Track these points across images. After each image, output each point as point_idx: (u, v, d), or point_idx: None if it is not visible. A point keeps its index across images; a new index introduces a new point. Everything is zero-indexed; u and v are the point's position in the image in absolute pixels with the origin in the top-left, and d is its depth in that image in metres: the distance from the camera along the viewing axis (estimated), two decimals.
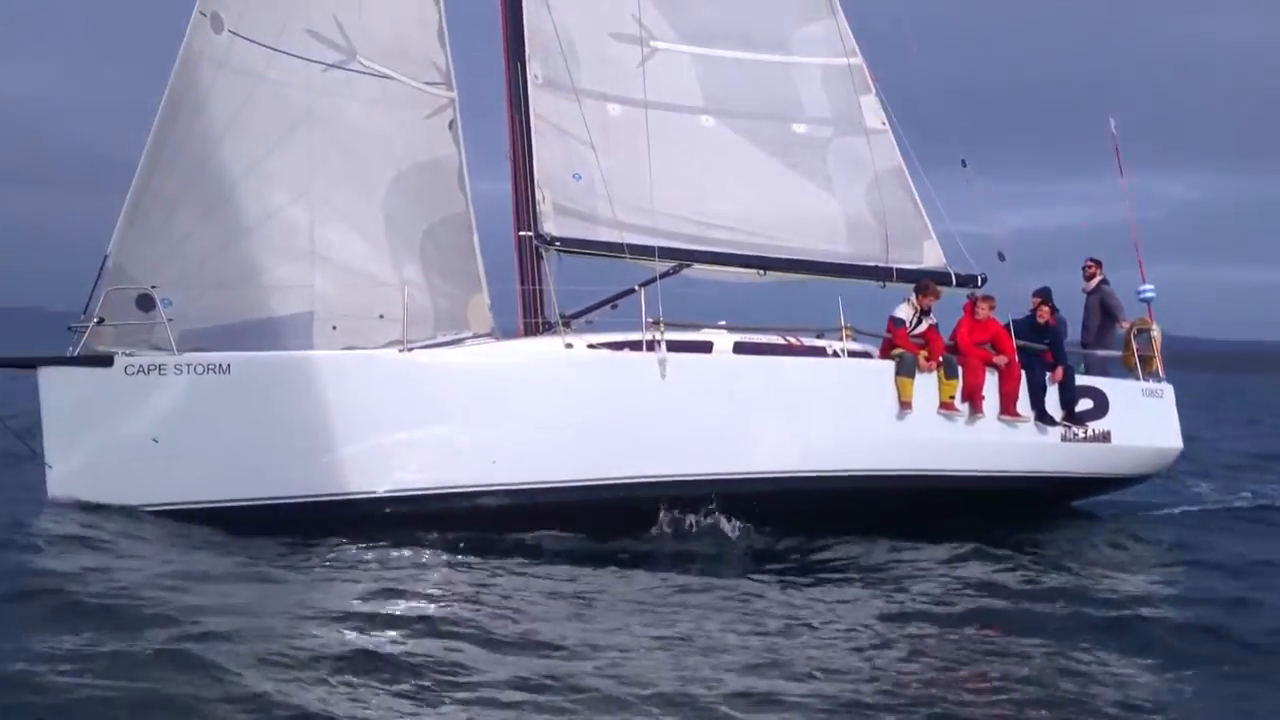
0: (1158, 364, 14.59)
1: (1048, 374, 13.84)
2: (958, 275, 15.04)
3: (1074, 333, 14.98)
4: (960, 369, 13.34)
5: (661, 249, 13.71)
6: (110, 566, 9.82)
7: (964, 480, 13.41)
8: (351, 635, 8.41)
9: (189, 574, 9.82)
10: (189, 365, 11.58)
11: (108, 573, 9.56)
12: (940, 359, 13.30)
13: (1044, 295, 14.47)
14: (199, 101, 12.53)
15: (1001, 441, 13.51)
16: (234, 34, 12.75)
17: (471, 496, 12.05)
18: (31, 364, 11.54)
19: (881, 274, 14.95)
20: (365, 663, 7.72)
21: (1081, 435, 13.89)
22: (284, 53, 13.05)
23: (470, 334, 13.31)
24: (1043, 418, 13.69)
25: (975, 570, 11.48)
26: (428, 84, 13.74)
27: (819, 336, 13.86)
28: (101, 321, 11.66)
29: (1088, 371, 14.65)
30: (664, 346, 12.42)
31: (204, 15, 12.53)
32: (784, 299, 15.19)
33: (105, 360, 11.48)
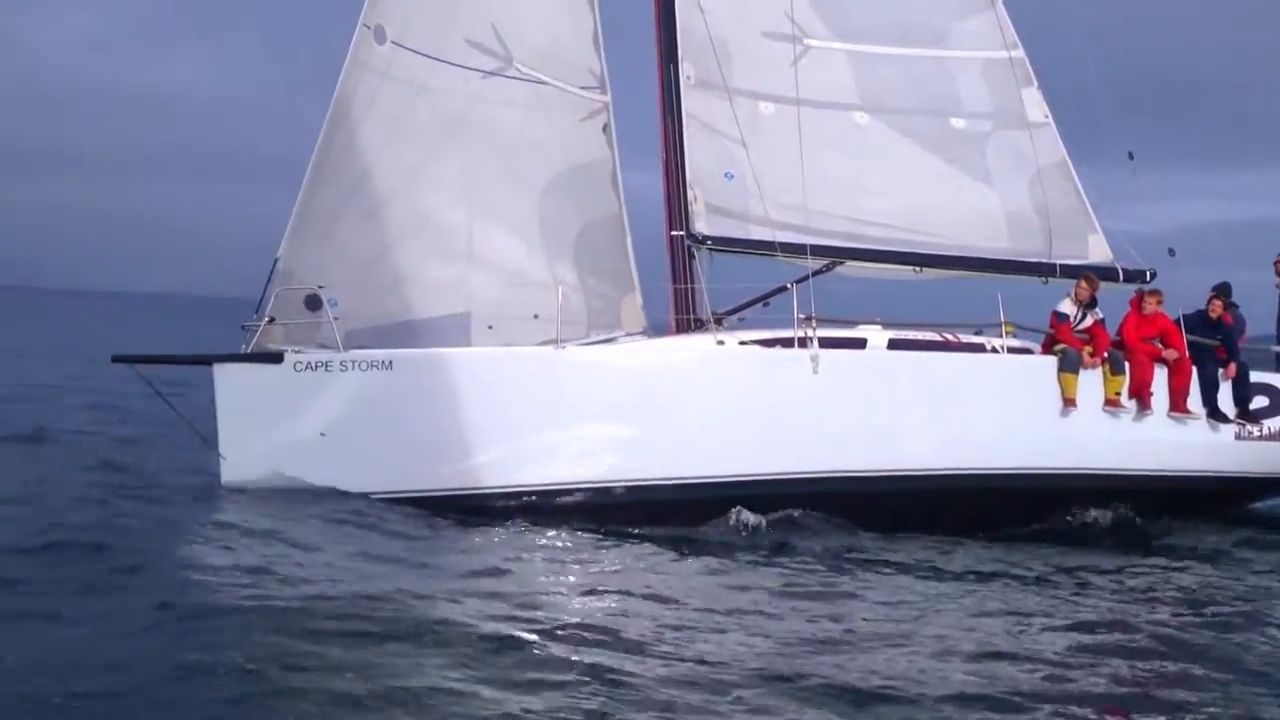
0: None
1: (1220, 370, 13.23)
2: (1125, 270, 14.53)
3: (1260, 328, 14.26)
4: (1127, 365, 12.88)
5: (814, 247, 13.63)
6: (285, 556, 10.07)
7: (1131, 480, 12.93)
8: (516, 628, 8.42)
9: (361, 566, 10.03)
10: (354, 362, 11.99)
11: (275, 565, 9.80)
12: (1106, 355, 12.86)
13: (1221, 291, 13.88)
14: (362, 111, 13.00)
15: (1171, 439, 12.99)
16: (397, 45, 13.19)
17: (627, 491, 12.14)
18: (207, 361, 12.11)
19: (1044, 270, 14.53)
20: (524, 653, 7.74)
21: (1257, 433, 13.25)
22: (444, 61, 13.45)
23: (623, 333, 13.49)
24: (1215, 415, 13.11)
25: (1146, 580, 11.02)
26: (583, 89, 13.98)
27: (977, 334, 13.56)
28: (272, 320, 12.18)
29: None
30: (816, 342, 12.31)
31: (368, 28, 12.99)
32: (940, 298, 14.91)
33: (276, 357, 11.98)
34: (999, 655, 8.12)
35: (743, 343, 12.74)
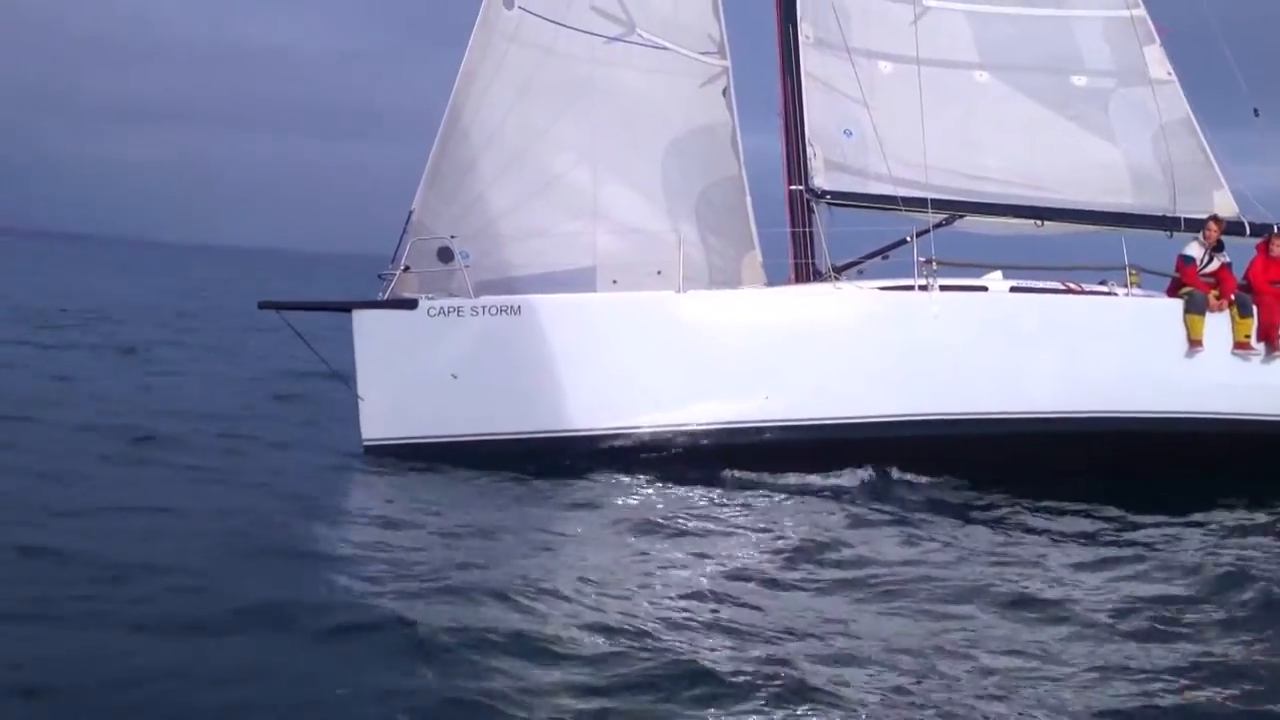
0: None
1: None
2: (1252, 224, 14.31)
3: None
4: (1255, 307, 12.71)
5: (935, 200, 13.72)
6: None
7: (1263, 425, 12.73)
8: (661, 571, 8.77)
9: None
10: (484, 307, 12.46)
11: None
12: (1233, 297, 12.72)
13: None
14: (492, 73, 13.52)
15: None
16: (524, 10, 13.69)
17: (747, 432, 12.37)
18: (346, 308, 12.69)
19: (1168, 223, 14.40)
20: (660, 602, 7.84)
21: None
22: (569, 27, 13.91)
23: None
24: None
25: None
26: (703, 54, 14.33)
27: (1101, 283, 13.49)
28: (407, 269, 12.72)
29: None
30: (937, 284, 12.42)
31: None
32: (1062, 253, 14.84)
33: (410, 304, 12.49)
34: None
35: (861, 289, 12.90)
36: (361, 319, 12.53)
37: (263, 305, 12.91)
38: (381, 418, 12.42)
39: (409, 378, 12.46)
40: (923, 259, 12.56)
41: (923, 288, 12.51)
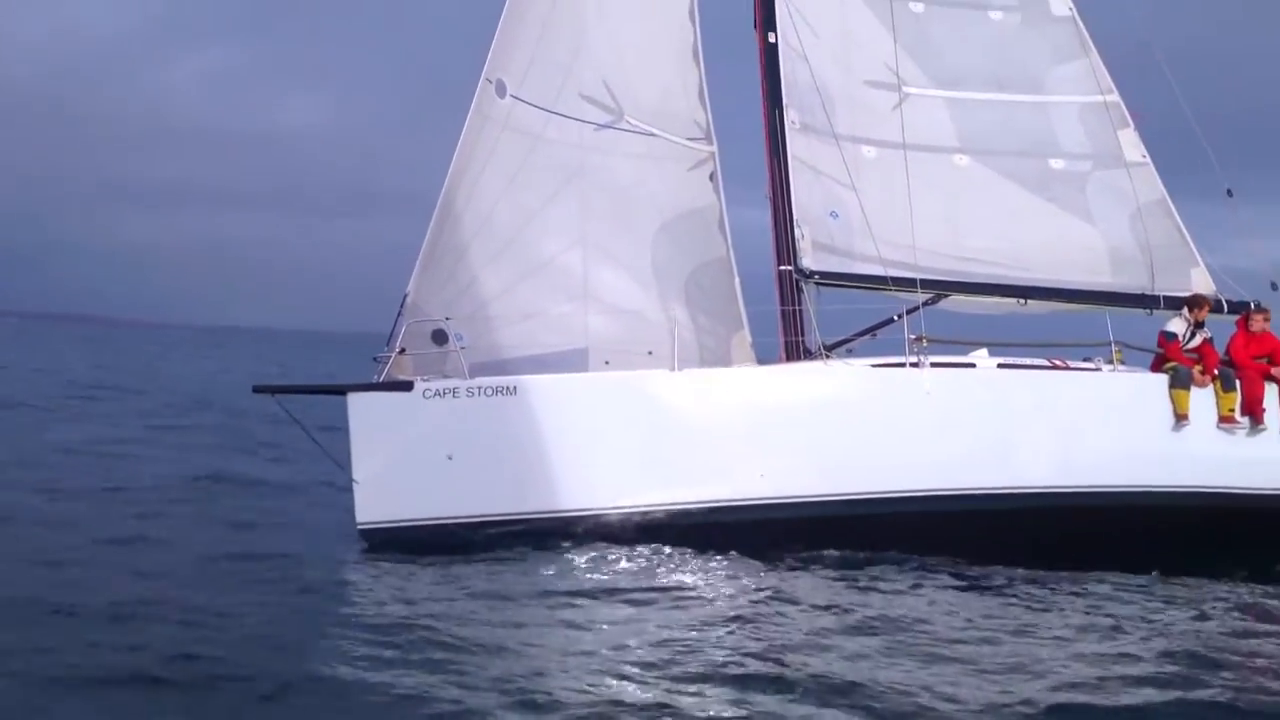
0: None
1: None
2: (1229, 302, 14.63)
3: None
4: (1238, 382, 12.95)
5: (923, 280, 13.97)
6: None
7: (1250, 499, 12.90)
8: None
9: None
10: (479, 388, 12.54)
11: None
12: (1216, 372, 12.96)
13: None
14: (485, 158, 13.77)
15: None
16: (516, 98, 13.98)
17: (743, 511, 12.43)
18: (342, 391, 12.74)
19: (1148, 301, 14.70)
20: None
21: None
22: (560, 114, 14.21)
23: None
24: None
25: None
26: (690, 140, 14.66)
27: (1086, 360, 13.71)
28: (403, 351, 12.81)
29: None
30: (928, 361, 12.61)
31: (490, 82, 13.82)
32: (1045, 331, 15.10)
33: (406, 386, 12.57)
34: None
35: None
36: (357, 402, 12.57)
37: (257, 390, 12.96)
38: (376, 501, 12.42)
39: (404, 460, 12.50)
40: (913, 336, 12.75)
41: (914, 365, 12.68)
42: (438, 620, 9.59)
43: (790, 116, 14.88)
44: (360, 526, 12.44)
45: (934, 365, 12.86)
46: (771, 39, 15.12)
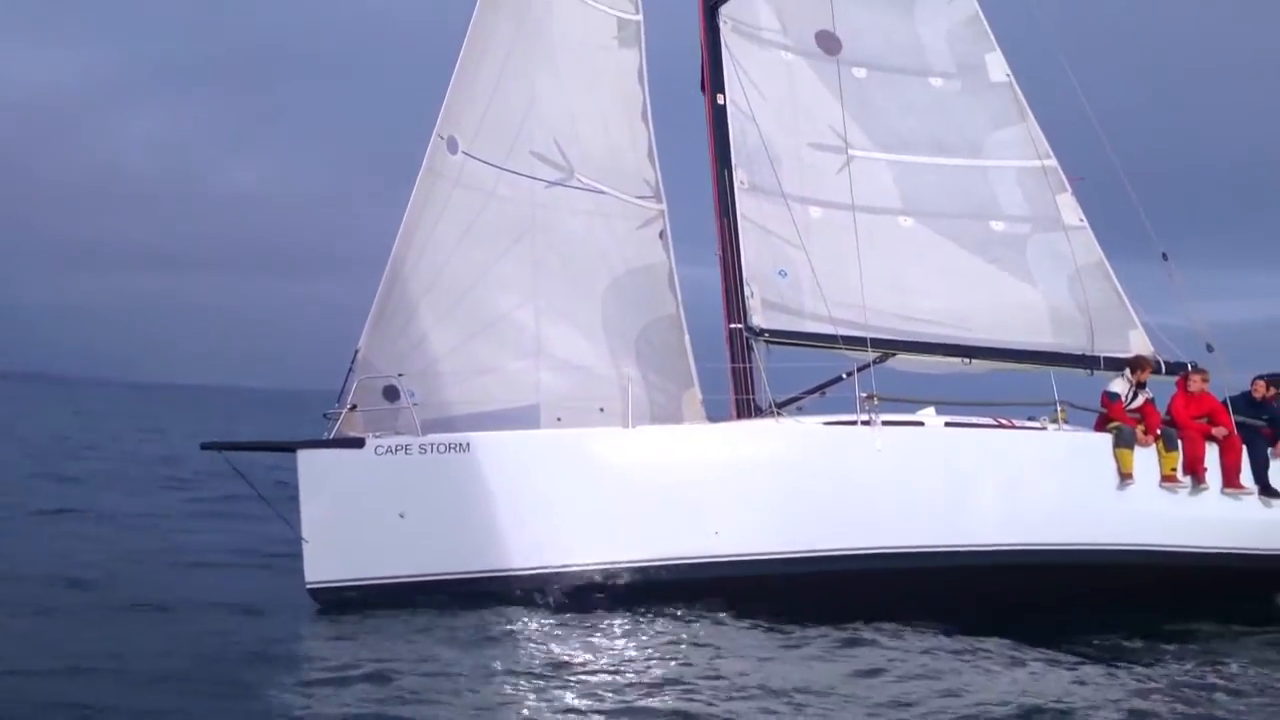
0: None
1: (1269, 449, 13.59)
2: (1166, 363, 14.99)
3: None
4: (1179, 441, 13.25)
5: (874, 339, 14.15)
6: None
7: (1192, 557, 13.15)
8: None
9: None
10: (432, 445, 12.41)
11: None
12: (1158, 432, 13.24)
13: (1272, 380, 14.35)
14: (436, 214, 13.75)
15: (1227, 517, 13.28)
16: (467, 155, 14.01)
17: (694, 568, 12.40)
18: (291, 447, 12.54)
19: (1088, 362, 15.03)
20: None
21: None
22: (511, 171, 14.26)
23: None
24: (1267, 491, 13.41)
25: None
26: (639, 198, 14.79)
27: (1030, 419, 13.94)
28: (354, 408, 12.66)
29: None
30: (879, 419, 12.73)
31: (441, 138, 13.83)
32: (989, 390, 15.34)
33: (357, 443, 12.41)
34: None
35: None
36: (307, 459, 12.38)
37: (205, 446, 12.71)
38: (326, 559, 12.21)
39: (355, 518, 12.31)
40: (864, 394, 12.87)
41: (865, 422, 12.80)
42: (385, 683, 9.41)
43: (739, 176, 15.07)
44: (309, 586, 12.21)
45: (884, 423, 12.98)
46: (721, 100, 15.35)
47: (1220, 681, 10.70)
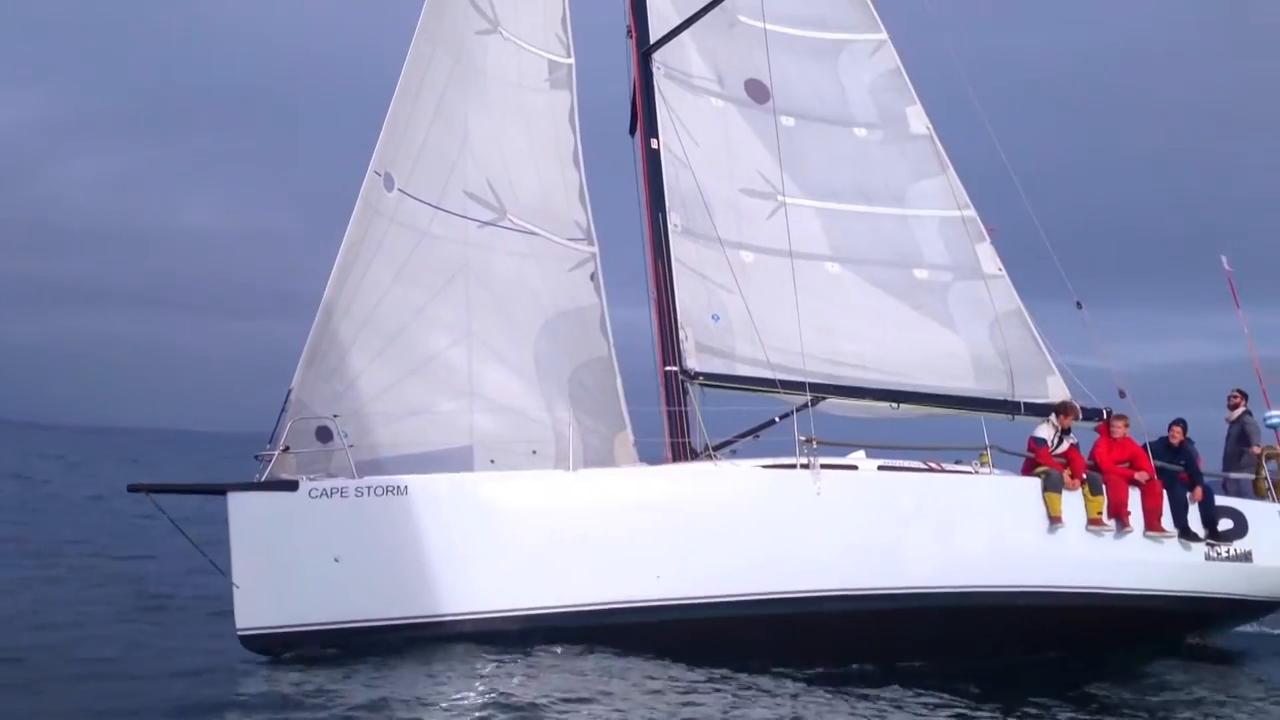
0: None
1: (1188, 493, 14.04)
2: (1083, 409, 15.41)
3: (1212, 460, 15.19)
4: (1104, 486, 13.60)
5: (812, 384, 14.30)
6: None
7: (1118, 599, 13.50)
8: None
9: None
10: (369, 488, 12.15)
11: None
12: (1084, 476, 13.59)
13: (1183, 426, 14.85)
14: (371, 252, 13.52)
15: (1150, 559, 13.67)
16: (403, 192, 13.85)
17: (637, 613, 12.31)
18: (222, 490, 12.16)
19: (1010, 407, 15.40)
20: None
21: (1225, 554, 14.00)
22: (445, 210, 14.15)
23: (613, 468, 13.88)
24: (1186, 534, 13.84)
25: None
26: (570, 240, 14.79)
27: (957, 462, 14.20)
28: (287, 450, 12.34)
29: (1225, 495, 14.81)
30: (818, 462, 12.84)
31: (378, 175, 13.64)
32: (915, 434, 15.61)
33: (290, 485, 12.08)
34: None
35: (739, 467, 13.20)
36: (237, 502, 12.01)
37: (132, 489, 12.22)
38: (259, 605, 11.83)
39: (289, 562, 11.96)
40: (804, 438, 12.97)
41: (804, 466, 12.89)
42: None
43: (673, 220, 15.15)
44: (240, 633, 11.81)
45: (821, 467, 13.09)
46: (654, 144, 15.43)
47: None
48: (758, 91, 16.65)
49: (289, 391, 12.72)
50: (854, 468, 13.49)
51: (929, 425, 15.70)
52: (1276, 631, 15.70)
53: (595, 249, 14.89)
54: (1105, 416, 15.16)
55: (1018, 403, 15.45)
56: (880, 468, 13.63)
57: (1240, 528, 14.18)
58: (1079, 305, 15.96)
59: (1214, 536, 14.00)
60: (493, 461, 13.53)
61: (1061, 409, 14.26)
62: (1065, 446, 13.92)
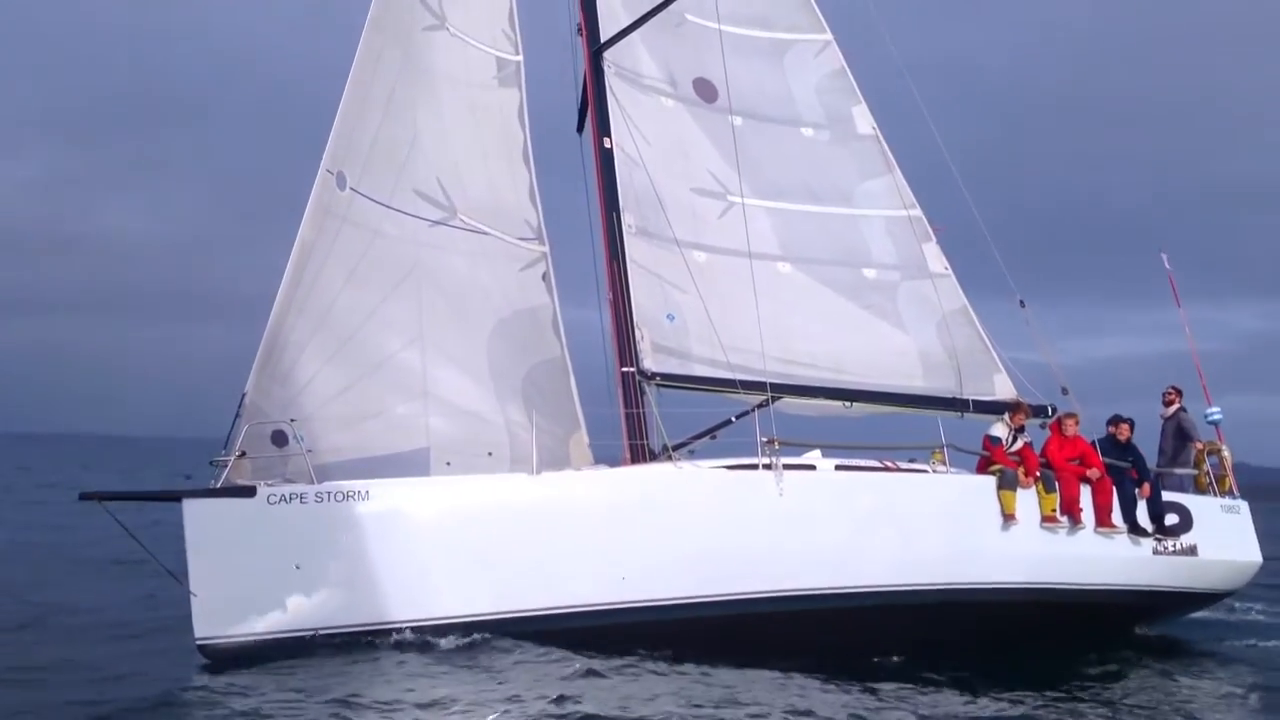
0: (1231, 482, 15.12)
1: (1136, 489, 14.32)
2: (1029, 406, 15.61)
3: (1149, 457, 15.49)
4: (1057, 484, 13.81)
5: (773, 384, 14.33)
6: None
7: (1071, 594, 13.73)
8: None
9: None
10: (329, 493, 11.91)
11: None
12: (1038, 474, 13.78)
13: (1117, 422, 15.10)
14: (325, 253, 13.27)
15: (1101, 555, 13.90)
16: (355, 191, 13.61)
17: (602, 615, 12.23)
18: (176, 497, 11.82)
19: (959, 405, 15.57)
20: None
21: (1172, 548, 14.30)
22: (395, 210, 13.94)
23: (572, 469, 13.77)
24: (1135, 530, 14.12)
25: None
26: (521, 239, 14.66)
27: (911, 460, 14.32)
28: (244, 455, 12.05)
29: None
30: (780, 463, 12.86)
31: (330, 173, 13.40)
32: (866, 433, 15.73)
33: (248, 491, 11.80)
34: None
35: (700, 469, 13.17)
36: (193, 508, 11.70)
37: (84, 497, 11.82)
38: (217, 614, 11.54)
39: (248, 570, 11.67)
40: (765, 439, 12.98)
41: (767, 466, 12.90)
42: None
43: (627, 220, 15.06)
44: (200, 643, 11.51)
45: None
46: (607, 144, 15.33)
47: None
48: (706, 91, 16.63)
49: (243, 395, 12.43)
50: (812, 467, 13.54)
51: (880, 423, 15.83)
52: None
53: (546, 248, 14.77)
54: (1050, 414, 15.40)
55: (967, 400, 15.63)
56: (837, 467, 13.69)
57: (1185, 522, 14.50)
58: (1022, 304, 16.21)
59: (1162, 531, 14.29)
60: (449, 464, 13.37)
61: (1014, 408, 14.44)
62: (1019, 445, 14.10)
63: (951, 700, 11.34)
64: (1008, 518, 13.49)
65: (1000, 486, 13.59)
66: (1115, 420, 15.08)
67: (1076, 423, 14.42)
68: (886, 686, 11.65)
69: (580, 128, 16.36)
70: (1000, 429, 14.19)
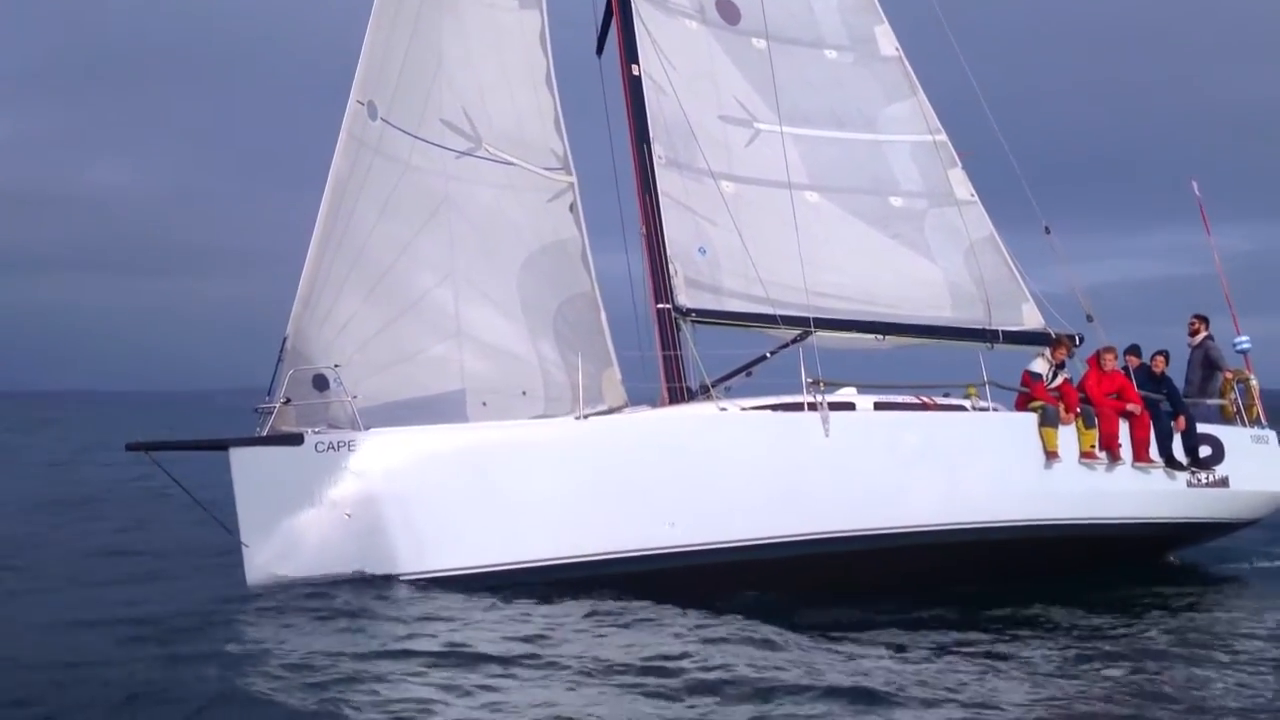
0: (1259, 411, 15.20)
1: (1171, 422, 14.35)
2: (1056, 335, 15.57)
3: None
4: (1096, 419, 13.81)
5: (796, 318, 14.13)
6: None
7: (1109, 528, 13.82)
8: None
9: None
10: (377, 440, 11.67)
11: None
12: (1078, 410, 13.76)
13: (1134, 352, 15.09)
14: (358, 185, 12.89)
15: (1138, 489, 13.98)
16: (385, 121, 13.17)
17: (650, 560, 12.15)
18: (223, 445, 11.55)
19: (990, 336, 15.47)
20: None
21: (1205, 480, 14.40)
22: (423, 140, 13.52)
23: (606, 407, 13.59)
24: (1171, 463, 14.19)
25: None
26: (547, 169, 14.25)
27: (945, 395, 14.25)
28: (288, 401, 11.76)
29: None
30: (826, 403, 12.74)
31: (361, 104, 12.95)
32: (894, 365, 15.65)
33: (295, 439, 11.54)
34: None
35: (744, 409, 13.03)
36: (241, 457, 11.43)
37: (130, 447, 11.52)
38: (269, 563, 11.36)
39: (298, 519, 11.46)
40: (810, 380, 12.83)
41: (812, 407, 12.78)
42: (335, 685, 8.67)
43: (657, 151, 14.69)
44: (255, 591, 11.32)
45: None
46: (635, 71, 14.88)
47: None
48: (729, 12, 16.17)
49: (284, 339, 12.10)
50: (851, 405, 13.44)
51: (907, 356, 15.72)
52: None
53: (573, 179, 14.38)
54: (1077, 344, 15.34)
55: (996, 331, 15.53)
56: (876, 404, 13.60)
57: (1218, 454, 14.58)
58: (1047, 230, 16.09)
59: (1197, 464, 14.37)
60: (485, 404, 13.13)
61: (1055, 343, 14.37)
62: (1059, 381, 14.06)
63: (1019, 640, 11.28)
64: (1050, 455, 13.48)
65: (1042, 423, 13.56)
66: (1133, 350, 15.06)
67: (1115, 357, 14.38)
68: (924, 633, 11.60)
69: (600, 49, 15.88)
70: (1040, 364, 14.13)
